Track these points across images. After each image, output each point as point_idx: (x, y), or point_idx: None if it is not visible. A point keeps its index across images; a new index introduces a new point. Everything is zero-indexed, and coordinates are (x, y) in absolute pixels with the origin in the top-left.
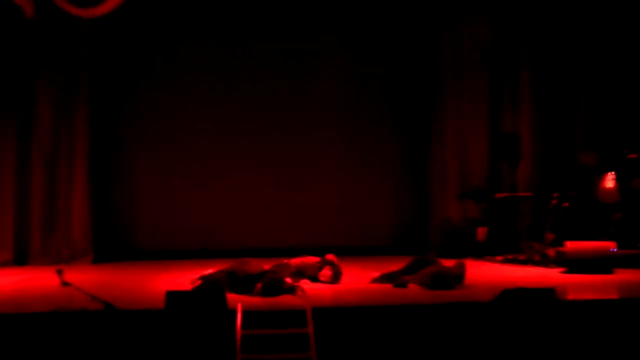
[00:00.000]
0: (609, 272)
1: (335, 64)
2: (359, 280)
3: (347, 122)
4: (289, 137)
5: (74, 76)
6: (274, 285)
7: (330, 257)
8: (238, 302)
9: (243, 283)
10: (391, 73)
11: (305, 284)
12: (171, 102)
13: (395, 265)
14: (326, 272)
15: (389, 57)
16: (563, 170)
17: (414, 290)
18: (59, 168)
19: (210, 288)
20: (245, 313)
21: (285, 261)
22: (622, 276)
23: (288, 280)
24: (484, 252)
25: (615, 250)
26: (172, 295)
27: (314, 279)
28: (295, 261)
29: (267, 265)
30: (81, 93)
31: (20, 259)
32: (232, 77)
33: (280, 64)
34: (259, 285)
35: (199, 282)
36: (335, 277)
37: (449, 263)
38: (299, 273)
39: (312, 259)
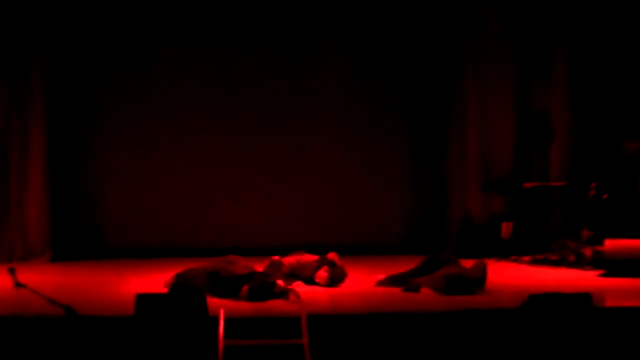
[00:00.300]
0: None
1: (338, 53)
2: (364, 282)
3: (353, 111)
4: (288, 133)
5: (28, 57)
6: (262, 288)
7: (331, 256)
8: (221, 307)
9: (227, 285)
10: (398, 59)
11: (300, 287)
12: (150, 91)
13: (406, 265)
14: (322, 274)
15: (397, 41)
16: (603, 156)
17: (426, 295)
18: (10, 153)
19: (188, 290)
20: (229, 320)
21: (276, 258)
22: None
23: (280, 282)
24: (509, 251)
25: None
26: (143, 299)
27: (311, 281)
28: (289, 260)
29: (259, 265)
30: (36, 75)
31: None
32: (224, 73)
33: (280, 64)
34: (245, 288)
35: (174, 282)
36: (333, 280)
37: (468, 264)
38: (293, 274)
39: (309, 257)
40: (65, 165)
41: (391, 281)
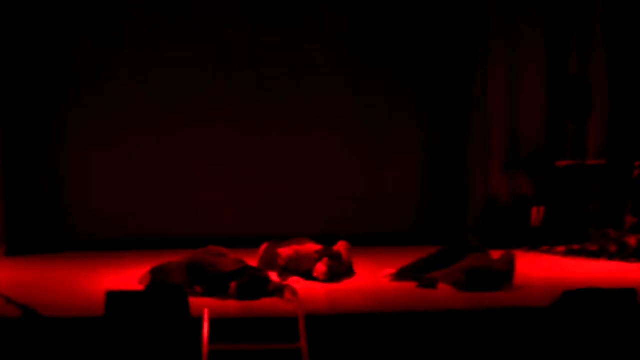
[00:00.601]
0: None
1: (347, 17)
2: (371, 277)
3: (360, 85)
4: (290, 115)
5: None
6: (253, 285)
7: (339, 246)
8: (205, 307)
9: (213, 281)
10: (411, 20)
11: (297, 283)
12: (121, 68)
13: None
14: (320, 267)
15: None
16: None
17: (443, 292)
18: None
19: (167, 287)
20: (215, 322)
21: (267, 246)
22: None
23: (274, 277)
24: (540, 240)
25: None
26: (114, 297)
27: (309, 275)
28: (287, 251)
29: (252, 258)
30: None
31: None
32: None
33: (282, 28)
34: (233, 285)
35: (150, 278)
36: (333, 274)
37: (493, 256)
38: (290, 268)
39: (311, 247)
40: (23, 148)
41: (404, 274)
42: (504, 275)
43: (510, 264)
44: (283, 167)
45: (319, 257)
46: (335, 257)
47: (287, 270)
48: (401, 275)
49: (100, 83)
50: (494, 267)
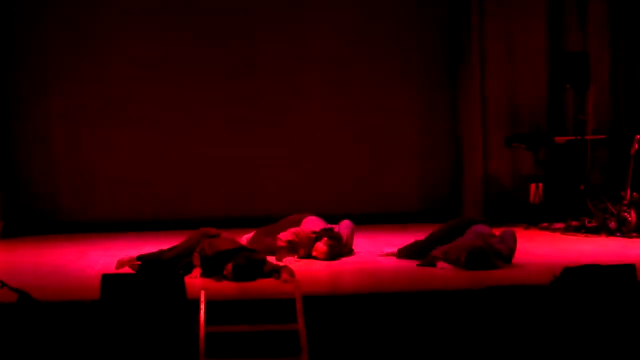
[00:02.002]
0: None
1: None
2: (372, 256)
3: (360, 59)
4: (288, 81)
5: None
6: (250, 266)
7: (343, 225)
8: (201, 288)
9: (209, 263)
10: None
11: (295, 264)
12: (116, 42)
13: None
14: (320, 247)
15: None
16: None
17: (443, 271)
18: None
19: (162, 270)
20: (211, 304)
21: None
22: None
23: (271, 259)
24: (539, 217)
25: None
26: (109, 281)
27: (310, 257)
28: (286, 235)
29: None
30: None
31: None
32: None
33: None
34: (229, 266)
35: (138, 262)
36: (332, 254)
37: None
38: (289, 251)
39: (313, 224)
40: (14, 128)
41: (405, 252)
42: (504, 255)
43: (512, 242)
44: (284, 148)
45: (319, 236)
46: (334, 237)
47: (287, 251)
48: (405, 251)
49: (92, 70)
50: (494, 246)
